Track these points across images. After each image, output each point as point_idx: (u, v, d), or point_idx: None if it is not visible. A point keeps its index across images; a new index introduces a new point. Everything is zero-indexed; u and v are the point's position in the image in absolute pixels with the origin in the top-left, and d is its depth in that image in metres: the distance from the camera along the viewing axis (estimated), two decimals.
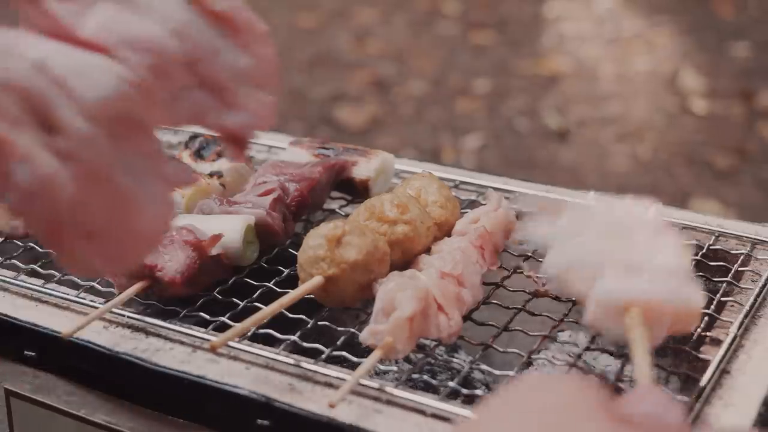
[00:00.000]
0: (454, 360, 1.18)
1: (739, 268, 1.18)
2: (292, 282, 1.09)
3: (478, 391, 0.97)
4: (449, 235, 1.17)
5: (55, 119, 0.57)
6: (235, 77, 0.72)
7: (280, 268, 1.17)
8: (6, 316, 1.10)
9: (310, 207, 1.28)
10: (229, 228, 1.14)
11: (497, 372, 0.98)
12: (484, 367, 0.99)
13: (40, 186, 0.56)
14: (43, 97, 0.57)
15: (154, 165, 0.65)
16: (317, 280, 1.03)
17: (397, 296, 0.97)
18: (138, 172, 0.63)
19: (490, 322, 1.07)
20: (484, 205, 1.21)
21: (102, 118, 0.60)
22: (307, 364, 0.97)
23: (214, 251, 1.11)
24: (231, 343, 0.99)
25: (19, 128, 0.55)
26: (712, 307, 1.08)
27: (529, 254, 1.21)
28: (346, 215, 1.29)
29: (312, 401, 0.93)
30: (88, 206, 0.60)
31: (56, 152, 0.57)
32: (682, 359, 1.01)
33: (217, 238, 1.12)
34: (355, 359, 0.97)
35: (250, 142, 0.75)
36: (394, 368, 1.10)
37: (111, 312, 1.07)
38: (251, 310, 1.03)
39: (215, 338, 0.96)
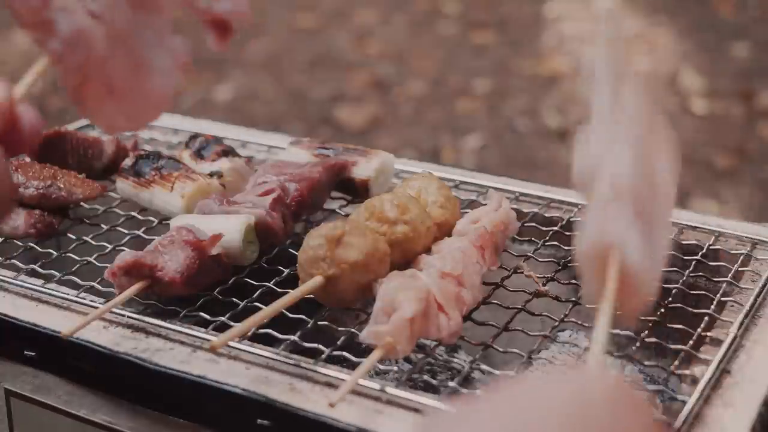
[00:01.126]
0: (454, 360, 1.18)
1: (739, 268, 1.18)
2: (292, 282, 1.09)
3: (478, 391, 0.96)
4: (449, 235, 1.17)
5: None
6: None
7: (280, 268, 1.17)
8: (6, 316, 1.10)
9: (310, 207, 1.28)
10: (229, 228, 1.14)
11: (497, 372, 0.98)
12: (484, 367, 0.99)
13: (78, 36, 0.69)
14: None
15: (164, 38, 0.77)
16: (317, 280, 1.03)
17: (398, 296, 0.97)
18: (151, 42, 0.76)
19: (490, 322, 1.07)
20: (485, 205, 1.21)
21: None
22: (307, 364, 0.97)
23: (214, 251, 1.12)
24: (231, 343, 0.99)
25: None
26: (712, 307, 1.08)
27: (529, 254, 1.21)
28: (346, 215, 1.29)
29: (312, 401, 0.93)
30: (112, 62, 0.71)
31: (89, 12, 0.71)
32: (682, 359, 1.01)
33: (217, 237, 1.12)
34: (355, 359, 0.97)
35: (234, 29, 0.84)
36: (394, 368, 1.10)
37: (111, 312, 1.07)
38: (251, 310, 1.03)
39: (215, 338, 0.96)
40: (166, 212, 1.28)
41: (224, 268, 1.14)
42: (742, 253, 1.21)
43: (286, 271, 1.16)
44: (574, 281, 1.17)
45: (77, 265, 1.19)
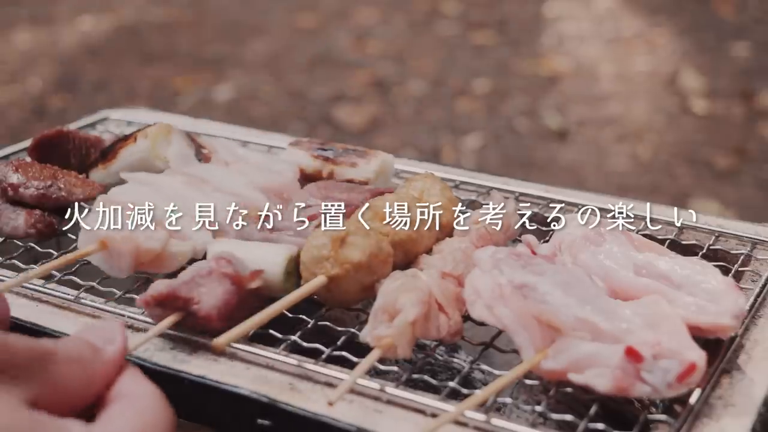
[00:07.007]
0: (454, 360, 1.18)
1: (739, 268, 1.18)
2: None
3: (478, 391, 0.96)
4: (450, 236, 1.17)
5: None
6: None
7: None
8: None
9: None
10: (270, 260, 1.09)
11: (497, 372, 0.98)
12: (484, 367, 0.99)
13: None
14: None
15: None
16: (320, 279, 1.03)
17: (400, 298, 0.97)
18: None
19: None
20: (485, 205, 1.21)
21: None
22: (308, 363, 0.97)
23: (253, 284, 1.05)
24: (231, 343, 0.99)
25: None
26: None
27: None
28: None
29: (312, 401, 0.93)
30: None
31: None
32: None
33: (257, 273, 1.06)
34: (355, 359, 0.97)
35: None
36: (395, 368, 1.10)
37: (111, 312, 1.08)
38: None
39: (216, 339, 0.96)
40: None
41: (261, 300, 1.06)
42: (742, 253, 1.21)
43: None
44: None
45: (77, 265, 1.19)
